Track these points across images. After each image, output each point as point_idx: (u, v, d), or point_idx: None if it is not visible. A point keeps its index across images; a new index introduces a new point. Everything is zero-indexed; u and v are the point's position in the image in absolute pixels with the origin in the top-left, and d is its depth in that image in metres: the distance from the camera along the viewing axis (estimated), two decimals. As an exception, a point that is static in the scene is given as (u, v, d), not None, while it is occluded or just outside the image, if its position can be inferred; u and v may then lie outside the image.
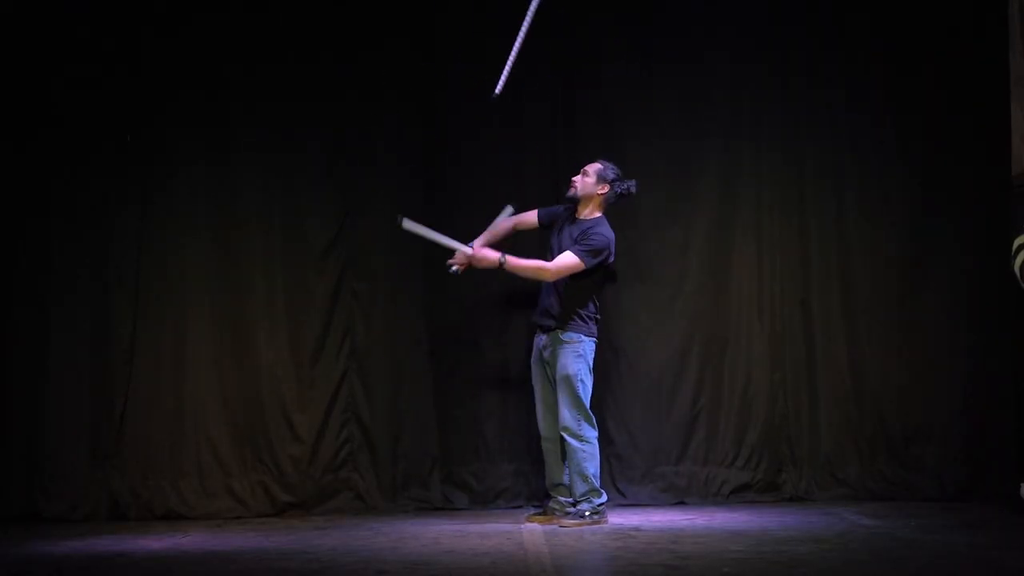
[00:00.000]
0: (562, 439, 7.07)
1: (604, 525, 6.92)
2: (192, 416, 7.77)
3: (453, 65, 7.98)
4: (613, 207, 7.21)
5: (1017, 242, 6.86)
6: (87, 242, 7.82)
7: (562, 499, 7.12)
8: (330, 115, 7.92)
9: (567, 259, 6.95)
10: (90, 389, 7.76)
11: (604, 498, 7.05)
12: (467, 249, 7.07)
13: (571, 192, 7.15)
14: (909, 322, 7.86)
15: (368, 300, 7.89)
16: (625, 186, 7.17)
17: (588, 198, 7.14)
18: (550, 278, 7.02)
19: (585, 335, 7.05)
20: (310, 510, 7.74)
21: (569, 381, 7.00)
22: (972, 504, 7.45)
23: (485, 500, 7.83)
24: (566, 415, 7.01)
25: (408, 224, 7.08)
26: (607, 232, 7.07)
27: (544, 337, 7.13)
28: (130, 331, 7.79)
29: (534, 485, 7.79)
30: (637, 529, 6.77)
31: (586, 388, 7.03)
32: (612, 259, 7.13)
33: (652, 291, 7.92)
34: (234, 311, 7.84)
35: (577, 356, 7.02)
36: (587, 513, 6.95)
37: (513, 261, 7.00)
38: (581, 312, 7.04)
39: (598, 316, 7.13)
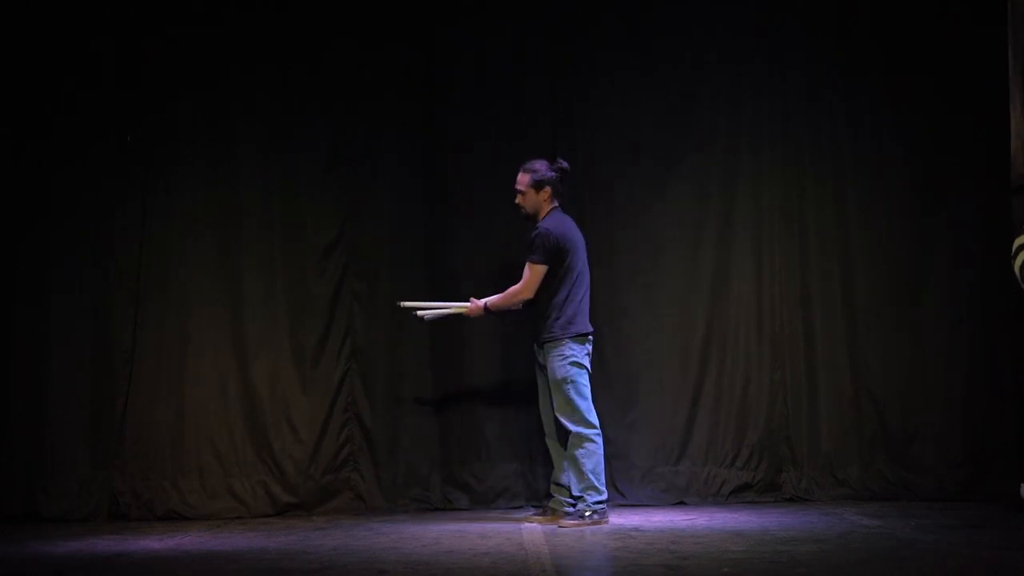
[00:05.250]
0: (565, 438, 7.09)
1: (604, 525, 6.91)
2: (193, 416, 7.77)
3: (453, 66, 7.97)
4: (574, 191, 7.25)
5: (1017, 242, 6.84)
6: (88, 243, 7.83)
7: (562, 499, 7.12)
8: (331, 116, 7.92)
9: (526, 272, 7.08)
10: (91, 389, 7.77)
11: (603, 496, 7.02)
12: (464, 306, 7.24)
13: (525, 215, 7.19)
14: (909, 322, 7.85)
15: (368, 301, 7.89)
16: (556, 166, 7.15)
17: (538, 209, 7.15)
18: (528, 295, 7.08)
19: (567, 336, 7.03)
20: (311, 510, 7.74)
21: (559, 386, 7.02)
22: (973, 504, 7.44)
23: (485, 500, 7.82)
24: (563, 418, 7.03)
25: (407, 304, 7.32)
26: (550, 226, 7.05)
27: (537, 348, 7.19)
28: (131, 331, 7.79)
29: (534, 485, 7.79)
30: (637, 529, 6.76)
31: (578, 387, 7.01)
32: (571, 251, 7.04)
33: (652, 291, 7.91)
34: (235, 311, 7.84)
35: (562, 359, 7.01)
36: (587, 513, 6.94)
37: (493, 302, 7.20)
38: (557, 316, 7.04)
39: (576, 312, 7.05)
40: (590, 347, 7.12)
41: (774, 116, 8.01)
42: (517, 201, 7.17)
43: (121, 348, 7.78)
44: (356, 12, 7.95)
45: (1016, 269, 6.84)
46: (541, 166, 7.13)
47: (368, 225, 7.91)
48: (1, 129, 7.84)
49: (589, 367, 7.10)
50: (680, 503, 7.77)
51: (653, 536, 6.46)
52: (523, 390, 7.82)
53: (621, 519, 7.16)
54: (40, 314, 7.79)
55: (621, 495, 7.78)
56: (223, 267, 7.87)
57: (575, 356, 7.02)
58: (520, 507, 7.71)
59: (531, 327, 7.21)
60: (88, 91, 7.85)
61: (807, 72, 7.99)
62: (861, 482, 7.79)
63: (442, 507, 7.79)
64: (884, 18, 7.92)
